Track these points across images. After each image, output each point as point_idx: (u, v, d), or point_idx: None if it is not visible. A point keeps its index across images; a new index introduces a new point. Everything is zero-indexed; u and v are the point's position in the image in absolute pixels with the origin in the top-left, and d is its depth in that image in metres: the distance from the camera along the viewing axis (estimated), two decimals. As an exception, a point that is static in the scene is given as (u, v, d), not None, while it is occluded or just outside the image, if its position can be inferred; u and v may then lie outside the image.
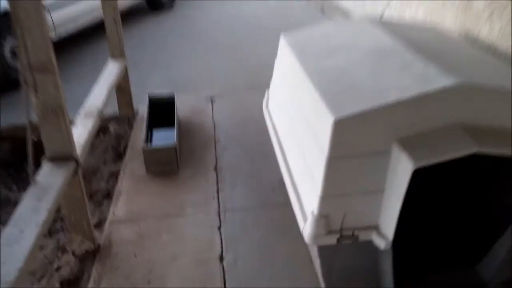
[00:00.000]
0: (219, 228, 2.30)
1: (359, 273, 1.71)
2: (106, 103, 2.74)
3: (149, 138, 3.11)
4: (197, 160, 2.94)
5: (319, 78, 1.77)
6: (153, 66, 4.79)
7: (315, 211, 1.54)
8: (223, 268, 2.04)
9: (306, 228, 1.57)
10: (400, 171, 1.44)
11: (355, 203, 1.54)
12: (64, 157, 1.97)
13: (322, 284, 1.77)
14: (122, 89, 3.53)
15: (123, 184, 2.72)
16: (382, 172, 1.51)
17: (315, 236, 1.54)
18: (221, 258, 2.10)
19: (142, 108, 3.69)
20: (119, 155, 3.28)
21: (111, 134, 3.65)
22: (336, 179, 1.50)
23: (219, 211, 2.44)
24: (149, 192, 2.62)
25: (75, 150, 2.02)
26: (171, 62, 4.90)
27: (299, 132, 1.90)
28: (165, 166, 2.79)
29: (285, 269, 2.04)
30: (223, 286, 1.95)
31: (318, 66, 1.92)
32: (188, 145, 3.12)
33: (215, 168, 2.85)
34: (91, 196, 2.91)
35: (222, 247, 2.17)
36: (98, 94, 2.72)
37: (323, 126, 1.55)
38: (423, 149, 1.44)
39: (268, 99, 2.67)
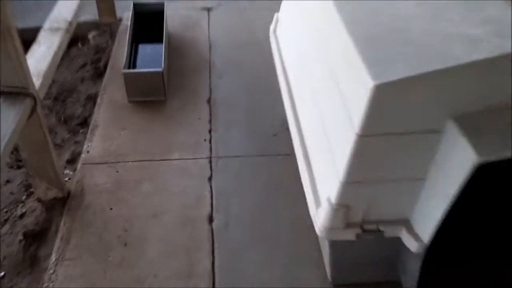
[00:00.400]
0: (210, 179, 1.98)
1: (373, 264, 1.44)
2: (78, 13, 2.23)
3: (132, 56, 2.64)
4: (188, 89, 2.52)
5: (354, 17, 1.31)
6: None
7: (333, 199, 1.20)
8: (212, 231, 1.76)
9: (319, 217, 1.24)
10: (456, 163, 1.07)
11: (384, 192, 1.20)
12: (17, 92, 1.55)
13: (328, 272, 1.51)
14: (102, -6, 2.96)
15: (101, 114, 2.33)
16: (425, 157, 1.15)
17: (330, 229, 1.22)
18: (210, 219, 1.80)
19: (127, 15, 3.15)
20: (99, 74, 2.83)
21: (90, 45, 3.15)
22: (365, 162, 1.14)
23: (210, 157, 2.10)
24: (130, 126, 2.25)
25: (32, 84, 1.60)
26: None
27: (318, 83, 1.49)
28: (150, 95, 2.38)
29: (284, 236, 1.77)
30: (210, 255, 1.68)
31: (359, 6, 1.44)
32: (178, 69, 2.67)
33: (208, 101, 2.44)
34: (65, 121, 2.54)
35: (212, 205, 1.86)
36: (66, 4, 2.19)
37: (355, 88, 1.14)
38: (492, 135, 1.06)
39: (277, 23, 2.18)
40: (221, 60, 2.79)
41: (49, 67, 1.80)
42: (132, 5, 2.88)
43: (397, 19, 1.29)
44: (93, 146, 2.14)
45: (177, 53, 2.82)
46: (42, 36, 1.98)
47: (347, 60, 1.20)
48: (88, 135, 2.21)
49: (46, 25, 2.06)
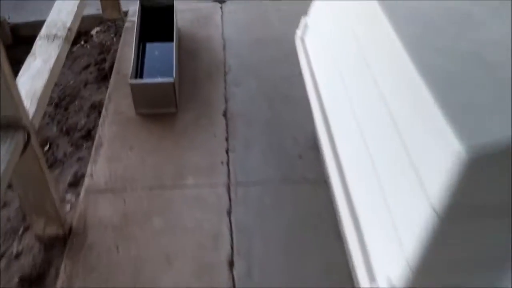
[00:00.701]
0: (229, 212, 1.75)
1: None
2: (79, 14, 1.97)
3: (139, 59, 2.37)
4: (201, 99, 2.27)
5: (416, 36, 1.05)
6: None
7: (397, 283, 0.97)
8: (233, 279, 1.54)
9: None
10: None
11: (464, 278, 0.97)
12: (8, 124, 1.31)
13: None
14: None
15: (106, 129, 2.09)
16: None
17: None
18: (231, 264, 1.59)
19: (132, 9, 2.87)
20: (104, 77, 2.58)
21: (93, 42, 2.89)
22: (446, 247, 0.90)
23: (228, 184, 1.86)
24: (138, 144, 2.01)
25: (24, 113, 1.35)
26: None
27: (364, 112, 1.24)
28: (160, 107, 2.13)
29: (317, 283, 1.55)
30: (232, 309, 1.48)
31: (414, 11, 1.18)
32: (190, 74, 2.41)
33: (224, 114, 2.19)
34: (67, 132, 2.31)
35: (232, 246, 1.64)
36: (65, 4, 1.92)
37: (429, 146, 0.90)
38: None
39: (305, 29, 1.91)
40: (237, 62, 2.52)
41: (46, 86, 1.55)
42: (138, 2, 2.60)
43: (473, 43, 1.03)
44: (98, 168, 1.91)
45: (188, 54, 2.56)
46: (38, 46, 1.72)
47: (412, 100, 0.95)
48: (92, 154, 1.98)
49: (43, 31, 1.80)
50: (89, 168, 1.92)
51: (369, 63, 1.29)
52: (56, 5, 1.91)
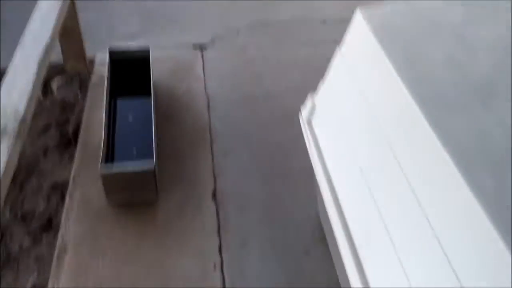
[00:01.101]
0: None
1: None
2: (34, 97, 1.58)
3: (110, 126, 2.01)
4: (186, 178, 1.94)
5: (451, 127, 0.81)
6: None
7: None
8: None
9: None
10: None
11: None
12: None
13: None
14: (68, 33, 2.29)
15: (70, 226, 1.73)
16: None
17: None
18: None
19: (100, 57, 2.51)
20: (67, 143, 2.21)
21: (54, 97, 2.50)
22: None
23: (225, 300, 1.55)
24: (111, 248, 1.66)
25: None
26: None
27: (390, 208, 0.98)
28: (137, 196, 1.79)
29: None
30: None
31: (445, 92, 0.94)
32: (170, 145, 2.08)
33: (214, 196, 1.88)
34: (23, 219, 1.93)
35: None
36: (18, 82, 1.55)
37: (467, 243, 0.66)
38: None
39: (312, 109, 1.61)
40: (224, 126, 2.21)
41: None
42: (107, 53, 2.24)
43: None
44: (61, 283, 1.55)
45: (167, 116, 2.22)
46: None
47: (447, 194, 0.70)
48: (54, 265, 1.61)
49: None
50: (50, 284, 1.56)
51: (395, 154, 1.05)
52: (5, 85, 1.53)
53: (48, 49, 1.69)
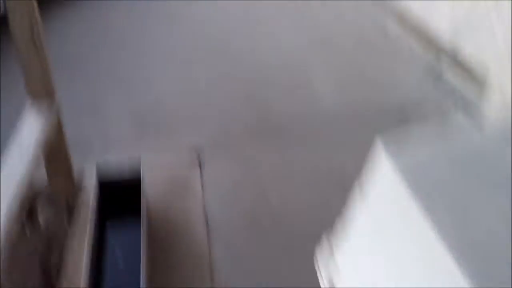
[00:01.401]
0: None
1: None
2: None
3: (100, 250, 1.74)
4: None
5: None
6: (108, 87, 3.07)
7: None
8: None
9: None
10: None
11: None
12: None
13: None
14: (53, 153, 2.10)
15: None
16: None
17: None
18: None
19: (90, 173, 2.29)
20: (48, 280, 1.92)
21: (38, 228, 2.24)
22: None
23: None
24: None
25: None
26: (132, 82, 3.12)
27: None
28: None
29: None
30: None
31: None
32: (166, 281, 1.80)
33: None
34: None
35: None
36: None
37: None
38: None
39: (331, 253, 1.37)
40: (228, 253, 1.95)
41: None
42: (94, 172, 2.05)
43: None
44: None
45: (162, 241, 1.97)
46: None
47: None
48: None
49: None
50: None
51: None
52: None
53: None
